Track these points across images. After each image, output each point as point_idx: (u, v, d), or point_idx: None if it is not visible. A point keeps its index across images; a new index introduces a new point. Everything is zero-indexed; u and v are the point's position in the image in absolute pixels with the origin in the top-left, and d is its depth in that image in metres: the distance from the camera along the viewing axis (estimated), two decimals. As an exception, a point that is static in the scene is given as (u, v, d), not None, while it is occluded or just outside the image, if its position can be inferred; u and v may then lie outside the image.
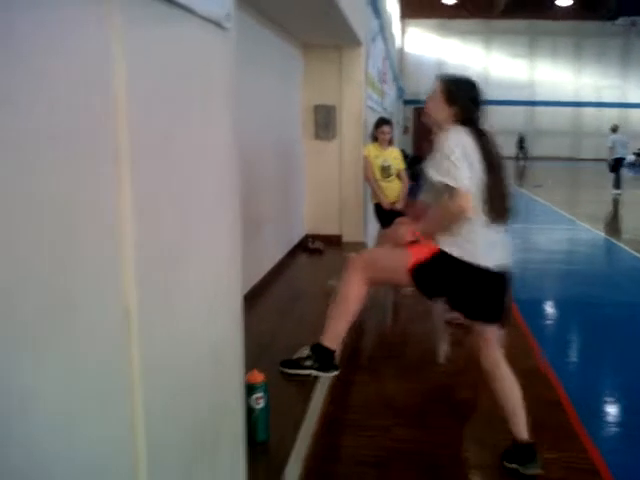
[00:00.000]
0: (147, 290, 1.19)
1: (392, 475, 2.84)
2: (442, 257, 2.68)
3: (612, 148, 15.66)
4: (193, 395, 1.45)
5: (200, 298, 1.49)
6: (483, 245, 2.64)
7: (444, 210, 2.60)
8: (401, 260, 2.79)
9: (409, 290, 4.63)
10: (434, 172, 2.57)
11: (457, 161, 2.51)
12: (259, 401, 2.30)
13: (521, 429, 2.75)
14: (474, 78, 2.87)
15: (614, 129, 16.08)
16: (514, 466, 2.76)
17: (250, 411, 2.24)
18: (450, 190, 2.53)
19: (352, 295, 2.98)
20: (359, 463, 2.93)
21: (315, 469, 2.79)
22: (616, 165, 15.41)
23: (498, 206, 2.64)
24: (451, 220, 2.62)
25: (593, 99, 30.16)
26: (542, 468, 2.74)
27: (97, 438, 1.06)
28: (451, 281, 2.73)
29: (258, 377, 2.32)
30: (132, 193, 1.11)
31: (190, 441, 1.44)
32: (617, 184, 15.21)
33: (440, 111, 2.75)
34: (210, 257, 1.56)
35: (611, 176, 15.63)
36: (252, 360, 2.28)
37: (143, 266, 1.17)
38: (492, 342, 2.79)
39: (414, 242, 2.81)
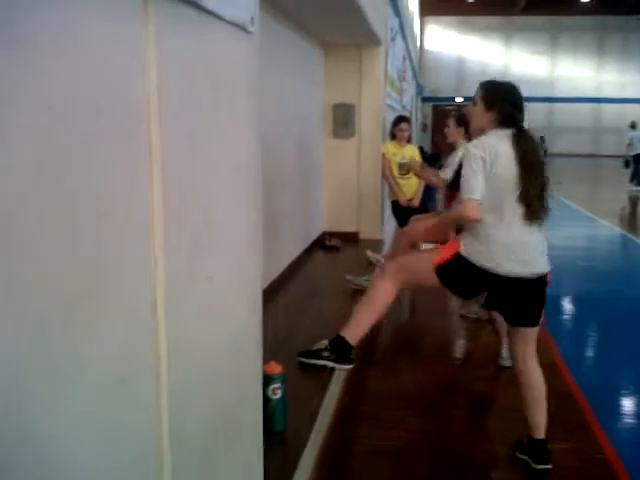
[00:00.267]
0: (174, 285, 1.26)
1: (406, 465, 2.90)
2: (461, 259, 2.80)
3: (630, 145, 15.79)
4: (214, 383, 1.52)
5: (222, 292, 1.56)
6: (509, 252, 2.71)
7: (455, 214, 2.88)
8: (428, 260, 2.93)
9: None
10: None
11: (473, 172, 2.67)
12: (276, 392, 2.37)
13: (540, 427, 2.80)
14: (513, 82, 2.94)
15: (633, 126, 16.25)
16: (525, 458, 2.82)
17: (267, 401, 2.31)
18: (462, 198, 2.72)
19: (381, 296, 3.11)
20: (373, 453, 2.99)
21: (330, 459, 2.86)
22: (636, 161, 15.50)
23: (534, 207, 2.71)
24: (459, 222, 2.88)
25: (614, 95, 29.86)
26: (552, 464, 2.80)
27: (124, 423, 1.13)
28: (473, 282, 2.84)
29: (276, 368, 2.40)
30: (163, 192, 1.18)
31: (211, 428, 1.51)
32: (636, 180, 15.35)
33: (481, 117, 2.84)
34: (233, 252, 1.63)
35: (628, 172, 15.69)
36: (270, 354, 2.35)
37: (171, 262, 1.24)
38: (524, 341, 2.84)
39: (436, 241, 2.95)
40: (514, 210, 2.69)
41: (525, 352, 2.83)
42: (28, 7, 0.83)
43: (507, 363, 3.74)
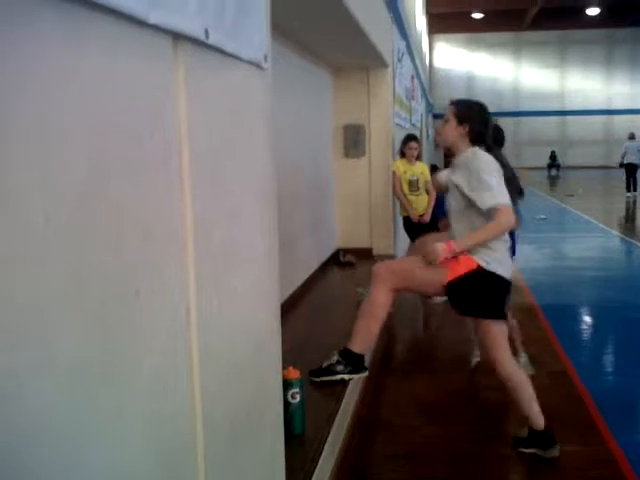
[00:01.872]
0: (204, 289, 1.44)
1: (421, 467, 3.04)
2: (480, 273, 2.88)
3: (624, 154, 16.96)
4: (239, 381, 1.70)
5: (246, 301, 1.74)
6: (508, 258, 2.98)
7: (496, 227, 2.80)
8: (436, 274, 2.96)
9: (439, 300, 4.85)
10: (481, 195, 2.80)
11: (497, 180, 2.83)
12: (295, 396, 2.53)
13: (538, 417, 2.96)
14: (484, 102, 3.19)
15: (631, 137, 17.42)
16: (533, 451, 2.97)
17: (287, 405, 2.46)
18: (495, 208, 2.77)
19: (378, 303, 3.17)
20: (390, 457, 3.14)
21: (348, 461, 3.02)
22: (628, 170, 16.70)
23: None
24: (500, 235, 2.87)
25: (625, 106, 29.92)
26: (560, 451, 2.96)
27: (163, 411, 1.30)
28: (484, 295, 2.95)
29: (294, 374, 2.55)
30: (193, 213, 1.38)
31: (237, 421, 1.68)
32: (628, 187, 16.64)
33: (453, 131, 3.01)
34: (254, 267, 1.82)
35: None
36: (288, 361, 2.51)
37: (200, 273, 1.43)
38: (503, 338, 3.00)
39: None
40: None
41: (503, 353, 2.98)
42: (82, 59, 1.02)
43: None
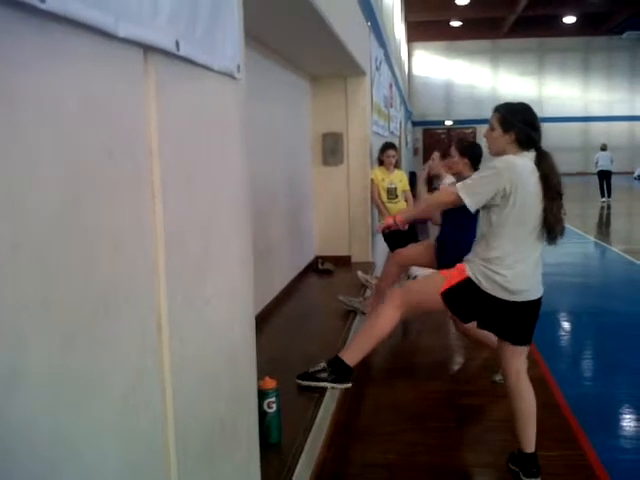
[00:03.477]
0: (175, 304, 1.44)
1: (401, 476, 3.04)
2: (470, 284, 2.84)
3: (596, 163, 18.40)
4: (213, 394, 1.69)
5: (219, 313, 1.73)
6: (517, 280, 2.78)
7: (431, 197, 3.03)
8: (435, 285, 2.96)
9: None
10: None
11: (484, 183, 2.75)
12: (271, 405, 2.52)
13: (530, 441, 2.89)
14: (528, 103, 2.99)
15: (603, 148, 18.77)
16: (517, 469, 2.93)
17: (264, 415, 2.46)
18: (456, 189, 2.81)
19: (383, 322, 3.13)
20: (369, 465, 3.14)
21: (326, 471, 3.02)
22: (601, 177, 17.95)
23: (551, 229, 2.78)
24: (431, 208, 3.17)
25: (602, 113, 30.30)
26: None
27: (135, 429, 1.28)
28: (480, 307, 2.89)
29: (270, 383, 2.55)
30: (164, 227, 1.37)
31: (212, 435, 1.67)
32: (602, 193, 17.76)
33: (499, 140, 2.86)
34: (228, 278, 1.81)
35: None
36: (265, 373, 2.51)
37: (173, 287, 1.42)
38: (517, 358, 2.92)
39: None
40: (532, 234, 2.77)
41: (519, 368, 2.91)
42: (57, 77, 1.02)
43: (499, 379, 3.82)
